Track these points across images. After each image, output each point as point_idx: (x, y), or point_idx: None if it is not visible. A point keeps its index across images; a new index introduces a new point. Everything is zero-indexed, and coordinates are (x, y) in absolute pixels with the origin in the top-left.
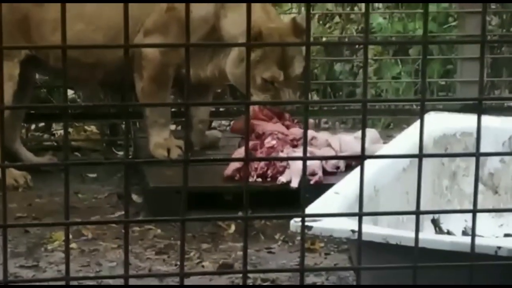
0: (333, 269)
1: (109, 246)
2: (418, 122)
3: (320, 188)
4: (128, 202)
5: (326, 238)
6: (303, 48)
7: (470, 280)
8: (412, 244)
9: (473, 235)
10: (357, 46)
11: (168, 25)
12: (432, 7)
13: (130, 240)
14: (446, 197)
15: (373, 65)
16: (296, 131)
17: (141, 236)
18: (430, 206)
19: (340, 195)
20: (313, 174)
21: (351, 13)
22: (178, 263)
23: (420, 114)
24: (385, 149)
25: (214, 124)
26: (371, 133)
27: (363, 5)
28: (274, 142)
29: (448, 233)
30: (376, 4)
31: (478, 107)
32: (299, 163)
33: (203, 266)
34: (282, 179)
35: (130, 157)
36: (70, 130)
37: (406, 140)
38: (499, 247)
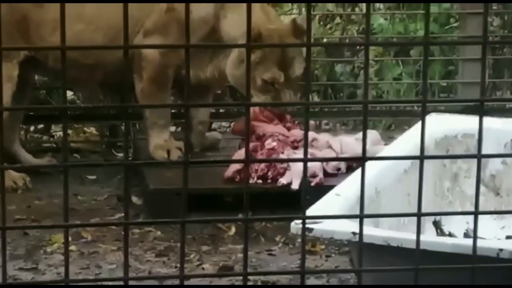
0: (334, 271)
1: (109, 248)
2: (419, 124)
3: (321, 190)
4: (128, 204)
5: (327, 240)
6: (304, 49)
7: (471, 282)
8: (413, 246)
9: (475, 237)
10: (358, 47)
11: (168, 26)
12: (434, 8)
13: (130, 242)
14: (448, 199)
15: (374, 66)
16: (297, 133)
17: (141, 238)
18: (431, 208)
19: (341, 197)
20: (314, 175)
21: (352, 14)
22: (178, 265)
23: (422, 116)
24: (386, 150)
25: (214, 125)
26: (372, 134)
27: (364, 6)
28: (274, 143)
29: (450, 235)
30: (377, 5)
31: (479, 109)
32: (300, 165)
33: (203, 268)
34: (283, 180)
35: (129, 158)
36: (70, 131)
37: (407, 141)
38: (500, 249)
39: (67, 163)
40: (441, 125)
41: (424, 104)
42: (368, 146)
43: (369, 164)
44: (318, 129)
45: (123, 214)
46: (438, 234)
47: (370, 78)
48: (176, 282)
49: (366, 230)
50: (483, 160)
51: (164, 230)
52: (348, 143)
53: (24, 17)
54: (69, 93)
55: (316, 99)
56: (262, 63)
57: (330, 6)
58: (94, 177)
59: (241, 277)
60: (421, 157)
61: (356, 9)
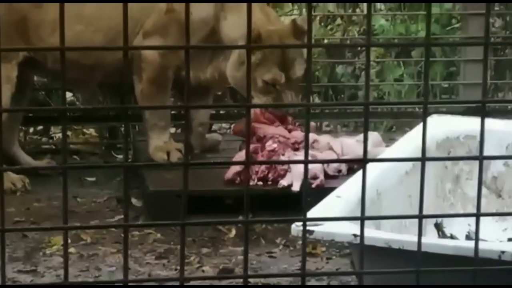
0: (335, 273)
1: (108, 250)
2: (420, 125)
3: (322, 192)
4: (127, 206)
5: (328, 243)
6: (304, 50)
7: (473, 285)
8: (415, 248)
9: (477, 239)
10: (359, 48)
11: (168, 27)
12: (435, 9)
13: (129, 245)
14: (449, 200)
15: (375, 68)
16: (298, 134)
17: (140, 240)
18: (433, 210)
19: (342, 198)
20: (315, 177)
21: (353, 15)
22: (178, 267)
23: (423, 117)
24: (388, 152)
25: (214, 127)
26: (373, 136)
27: (365, 7)
28: (275, 145)
29: (451, 237)
30: (378, 6)
31: (481, 110)
32: (301, 167)
33: (203, 271)
34: (283, 182)
35: (129, 160)
36: (69, 133)
37: (408, 143)
38: (502, 252)
39: (66, 165)
40: (443, 126)
41: (426, 106)
42: (369, 148)
43: (370, 166)
44: (319, 130)
45: (122, 216)
46: (439, 236)
47: (371, 79)
48: (176, 284)
49: (367, 232)
50: (485, 162)
51: (164, 232)
52: (349, 145)
53: (23, 17)
54: (69, 95)
55: (317, 100)
56: (262, 64)
57: (331, 7)
58: (93, 179)
59: (241, 280)
60: (423, 159)
61: (357, 10)
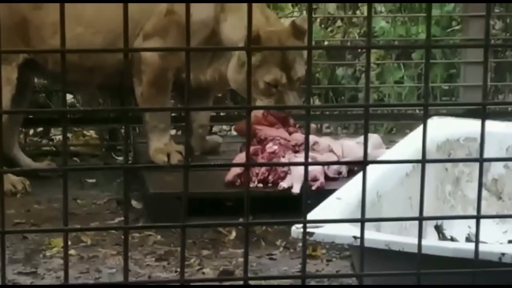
0: (335, 275)
1: (109, 252)
2: (421, 127)
3: (322, 194)
4: (127, 208)
5: (328, 245)
6: (304, 51)
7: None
8: (415, 250)
9: (477, 242)
10: (359, 50)
11: (168, 29)
12: (436, 11)
13: (129, 247)
14: (450, 202)
15: (376, 70)
16: (298, 137)
17: (141, 242)
18: (433, 212)
19: (342, 200)
20: (315, 179)
21: (353, 16)
22: (179, 269)
23: (423, 119)
24: (388, 154)
25: (214, 129)
26: (373, 138)
27: (365, 9)
28: (275, 147)
29: (452, 239)
30: (378, 8)
31: (481, 112)
32: (301, 169)
33: (203, 273)
34: (284, 184)
35: (129, 162)
36: (69, 135)
37: (409, 145)
38: (503, 254)
39: (66, 166)
40: (443, 128)
41: (426, 108)
42: (369, 150)
43: (370, 168)
44: (319, 132)
45: (123, 218)
46: (440, 239)
47: (372, 81)
48: (177, 285)
49: (367, 234)
50: (485, 164)
51: (164, 234)
52: (350, 147)
53: (23, 19)
54: (69, 97)
55: (317, 102)
56: (262, 65)
57: (331, 9)
58: (93, 181)
59: (241, 282)
60: (423, 161)
61: (358, 12)
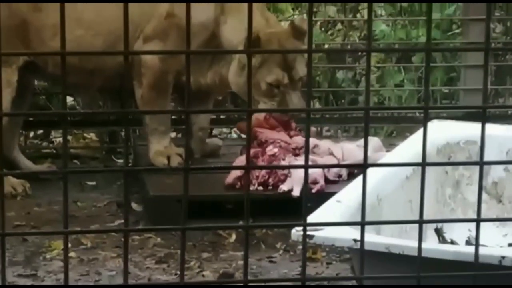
0: (335, 278)
1: (109, 255)
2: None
3: (322, 197)
4: (127, 211)
5: (328, 247)
6: (305, 54)
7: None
8: (415, 253)
9: (477, 245)
10: (359, 54)
11: (168, 32)
12: (436, 14)
13: (129, 249)
14: (450, 206)
15: (376, 73)
16: (299, 140)
17: (141, 245)
18: (433, 215)
19: (342, 203)
20: (315, 182)
21: (353, 20)
22: (178, 272)
23: (423, 122)
24: (388, 157)
25: (214, 131)
26: (373, 141)
27: (365, 12)
28: (276, 150)
29: (452, 242)
30: (379, 11)
31: (482, 115)
32: (301, 172)
33: (203, 276)
34: (284, 187)
35: (129, 165)
36: (69, 137)
37: (409, 148)
38: (503, 257)
39: (66, 169)
40: (443, 131)
41: (426, 111)
42: (369, 153)
43: (370, 171)
44: (319, 135)
45: (123, 221)
46: (440, 242)
47: (372, 84)
48: None
49: (367, 237)
50: (485, 167)
51: (164, 237)
52: (350, 150)
53: (23, 22)
54: (69, 99)
55: (317, 105)
56: (263, 66)
57: (332, 12)
58: (94, 183)
59: (241, 284)
60: (423, 164)
61: (358, 15)
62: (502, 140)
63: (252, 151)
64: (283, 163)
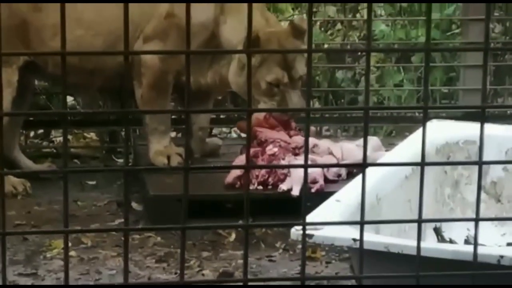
0: (334, 277)
1: (109, 254)
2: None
3: (322, 196)
4: (127, 210)
5: (328, 247)
6: (304, 54)
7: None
8: (414, 252)
9: (476, 244)
10: (359, 53)
11: (168, 32)
12: (435, 14)
13: (130, 248)
14: (449, 205)
15: (375, 73)
16: (298, 139)
17: (141, 244)
18: (432, 215)
19: (341, 203)
20: (315, 182)
21: (353, 20)
22: (178, 271)
23: (423, 122)
24: (387, 157)
25: (214, 131)
26: (373, 141)
27: (365, 12)
28: (275, 149)
29: (451, 241)
30: (378, 11)
31: (481, 115)
32: (300, 171)
33: (203, 275)
34: (283, 187)
35: (130, 164)
36: (70, 137)
37: (408, 148)
38: (501, 256)
39: (67, 168)
40: (442, 131)
41: (425, 111)
42: (369, 152)
43: (369, 170)
44: (319, 135)
45: (123, 220)
46: (439, 241)
47: (371, 84)
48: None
49: (366, 236)
50: (484, 166)
51: (164, 236)
52: (349, 149)
53: (23, 22)
54: (69, 99)
55: (317, 105)
56: (263, 65)
57: (331, 12)
58: (94, 182)
59: (241, 283)
60: (422, 164)
61: (358, 15)
62: (501, 140)
63: (252, 150)
64: (282, 162)
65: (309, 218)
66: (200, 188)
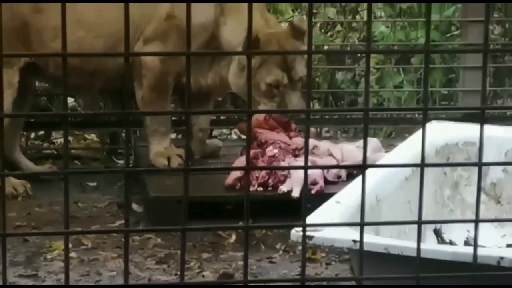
0: (335, 279)
1: (109, 255)
2: (420, 131)
3: (322, 198)
4: (128, 211)
5: (328, 248)
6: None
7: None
8: (414, 254)
9: (475, 245)
10: (359, 55)
11: (168, 33)
12: (435, 16)
13: (130, 250)
14: (448, 207)
15: (375, 74)
16: (298, 141)
17: (141, 245)
18: (432, 216)
19: (341, 204)
20: (314, 183)
21: (353, 21)
22: (179, 272)
23: (422, 123)
24: (387, 158)
25: (215, 132)
26: (373, 142)
27: (365, 14)
28: (275, 151)
29: (450, 243)
30: (378, 13)
31: (480, 117)
32: (301, 172)
33: (203, 276)
34: (283, 188)
35: (130, 166)
36: (70, 138)
37: (408, 149)
38: (501, 258)
39: (67, 170)
40: (442, 133)
41: (425, 112)
42: (368, 154)
43: (369, 172)
44: (318, 136)
45: (123, 221)
46: (438, 242)
47: (371, 85)
48: None
49: (366, 238)
50: (484, 168)
51: (164, 237)
52: (349, 151)
53: (24, 23)
54: (70, 100)
55: (317, 106)
56: (263, 67)
57: (331, 13)
58: (94, 184)
59: (241, 285)
60: (422, 165)
61: (357, 16)
62: (501, 141)
63: (252, 152)
64: (282, 164)
65: (309, 219)
66: (200, 190)
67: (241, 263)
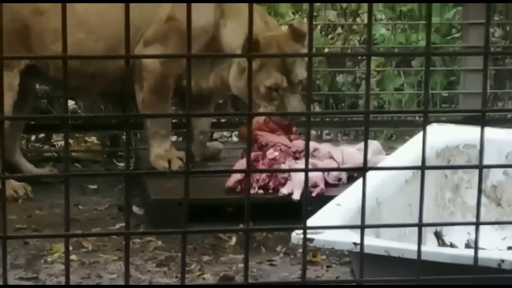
0: (335, 281)
1: (110, 258)
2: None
3: (322, 200)
4: (128, 214)
5: (328, 251)
6: (305, 58)
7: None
8: (414, 256)
9: (476, 248)
10: (359, 57)
11: (168, 36)
12: (435, 19)
13: (130, 252)
14: (449, 209)
15: (376, 77)
16: (299, 143)
17: (142, 248)
18: (432, 219)
19: (342, 207)
20: (315, 186)
21: (353, 24)
22: (179, 275)
23: (423, 126)
24: (388, 160)
25: (215, 135)
26: (373, 144)
27: (365, 16)
28: (276, 153)
29: (451, 245)
30: (378, 15)
31: (481, 119)
32: (301, 175)
33: (204, 279)
34: (284, 191)
35: (130, 168)
36: (71, 141)
37: (408, 151)
38: (502, 260)
39: (68, 172)
40: (443, 135)
41: (426, 114)
42: (369, 156)
43: (370, 174)
44: (319, 139)
45: (124, 224)
46: (439, 245)
47: (372, 88)
48: None
49: (367, 240)
50: (484, 170)
51: (165, 240)
52: (350, 153)
53: (25, 26)
54: (71, 103)
55: (317, 109)
56: (262, 70)
57: (332, 16)
58: (95, 186)
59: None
60: (422, 167)
61: (358, 19)
62: (501, 144)
63: (252, 154)
64: (283, 166)
65: (310, 222)
66: (201, 192)
67: (241, 265)
